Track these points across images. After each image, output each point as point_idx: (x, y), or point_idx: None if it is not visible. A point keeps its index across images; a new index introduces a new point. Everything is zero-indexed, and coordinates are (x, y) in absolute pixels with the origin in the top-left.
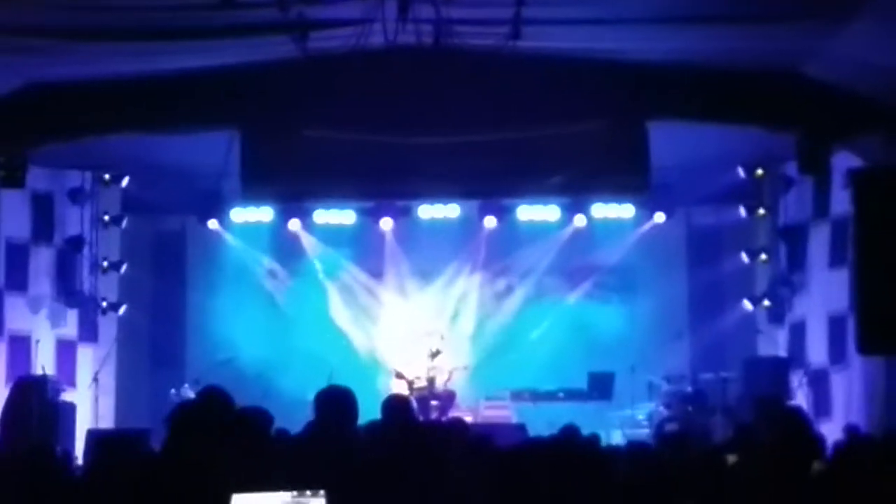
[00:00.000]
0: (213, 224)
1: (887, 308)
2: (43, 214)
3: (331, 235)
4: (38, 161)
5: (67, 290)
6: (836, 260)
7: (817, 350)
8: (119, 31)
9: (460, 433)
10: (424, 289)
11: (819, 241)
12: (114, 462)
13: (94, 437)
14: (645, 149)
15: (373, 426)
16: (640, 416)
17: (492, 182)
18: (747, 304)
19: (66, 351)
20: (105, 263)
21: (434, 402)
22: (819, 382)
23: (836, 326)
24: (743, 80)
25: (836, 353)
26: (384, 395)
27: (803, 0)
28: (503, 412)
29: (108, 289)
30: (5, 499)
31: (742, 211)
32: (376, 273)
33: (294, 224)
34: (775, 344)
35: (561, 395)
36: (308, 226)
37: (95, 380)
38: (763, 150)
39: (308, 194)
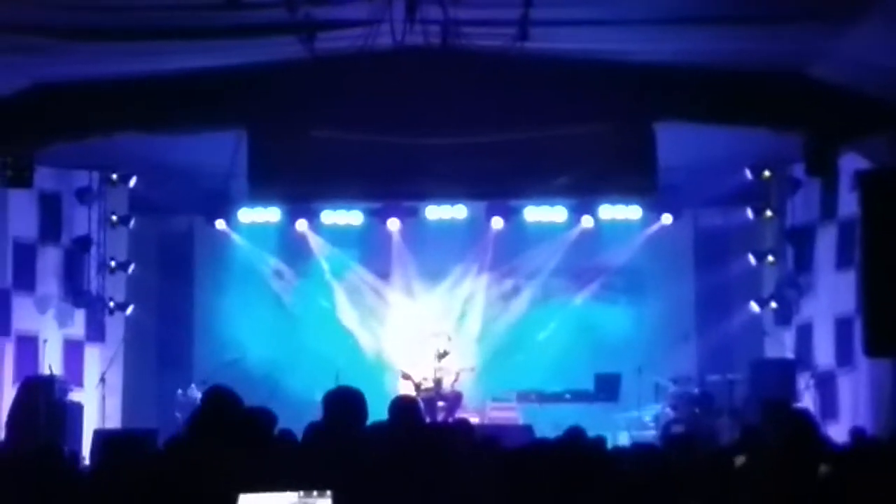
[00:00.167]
0: (220, 224)
1: (894, 310)
2: (50, 214)
3: (338, 236)
4: (46, 161)
5: (75, 290)
6: (843, 262)
7: (824, 352)
8: (126, 31)
9: (466, 434)
10: (431, 290)
11: (826, 243)
12: (121, 462)
13: (102, 437)
14: (652, 150)
15: (379, 427)
16: (647, 418)
17: (499, 183)
18: (754, 306)
19: (73, 351)
20: (112, 263)
21: (441, 404)
22: (826, 384)
23: (843, 328)
24: (750, 82)
25: (843, 356)
26: (391, 396)
27: (810, 1)
28: (510, 413)
29: (115, 289)
30: (14, 498)
31: (749, 212)
32: (383, 274)
33: (301, 224)
34: (782, 346)
35: (567, 396)
36: (315, 226)
37: (102, 380)
38: (770, 152)
39: (315, 195)
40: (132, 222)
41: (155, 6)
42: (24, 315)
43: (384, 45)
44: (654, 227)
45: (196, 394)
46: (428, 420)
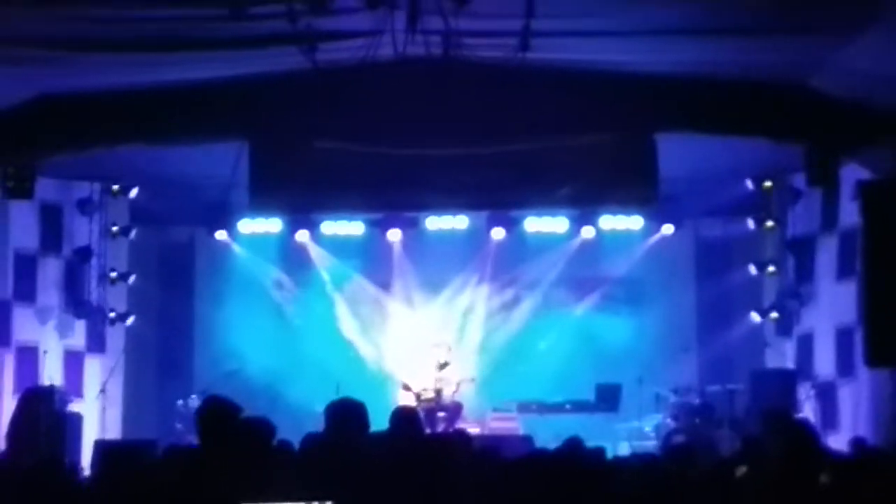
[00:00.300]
0: (221, 235)
1: (895, 321)
2: (51, 225)
3: (339, 247)
4: (47, 172)
5: (75, 301)
6: (844, 272)
7: (825, 362)
8: (129, 43)
9: (463, 445)
10: (432, 300)
11: (827, 254)
12: (121, 473)
13: (102, 447)
14: (653, 161)
15: (380, 437)
16: (648, 428)
17: (500, 194)
18: (755, 316)
19: (73, 362)
20: (113, 274)
21: (441, 414)
22: (827, 395)
23: (843, 339)
24: (751, 93)
25: (844, 366)
26: (391, 407)
27: (811, 13)
28: (510, 424)
29: (116, 299)
30: None
31: (750, 223)
32: (384, 284)
33: (302, 235)
34: (783, 356)
35: (568, 406)
36: (316, 237)
37: (103, 390)
38: (771, 162)
39: (316, 205)
40: (133, 233)
41: (157, 18)
42: (25, 326)
43: (386, 55)
44: (655, 237)
45: (196, 404)
46: (428, 431)
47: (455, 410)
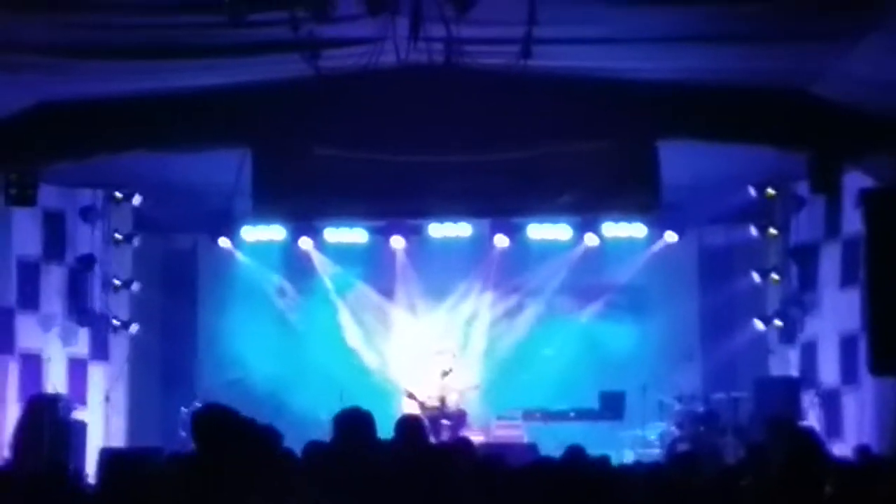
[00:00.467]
0: (224, 242)
1: None
2: (54, 233)
3: (342, 254)
4: (50, 179)
5: (79, 309)
6: (847, 280)
7: (829, 370)
8: (131, 50)
9: (466, 453)
10: (435, 308)
11: (830, 261)
12: (125, 480)
13: (106, 455)
14: (656, 168)
15: (385, 446)
16: (652, 436)
17: (503, 201)
18: (759, 324)
19: (77, 369)
20: (116, 282)
21: (445, 422)
22: (831, 403)
23: (847, 346)
24: (754, 100)
25: (848, 374)
26: (395, 415)
27: (813, 19)
28: (515, 432)
29: (119, 307)
30: None
31: (753, 230)
32: (387, 292)
33: (305, 242)
34: (787, 364)
35: (572, 414)
36: (319, 244)
37: (107, 398)
38: (774, 170)
39: (319, 213)
40: (136, 240)
41: (159, 25)
42: (28, 334)
43: (388, 63)
44: (658, 244)
45: None
46: (432, 439)
47: (459, 418)
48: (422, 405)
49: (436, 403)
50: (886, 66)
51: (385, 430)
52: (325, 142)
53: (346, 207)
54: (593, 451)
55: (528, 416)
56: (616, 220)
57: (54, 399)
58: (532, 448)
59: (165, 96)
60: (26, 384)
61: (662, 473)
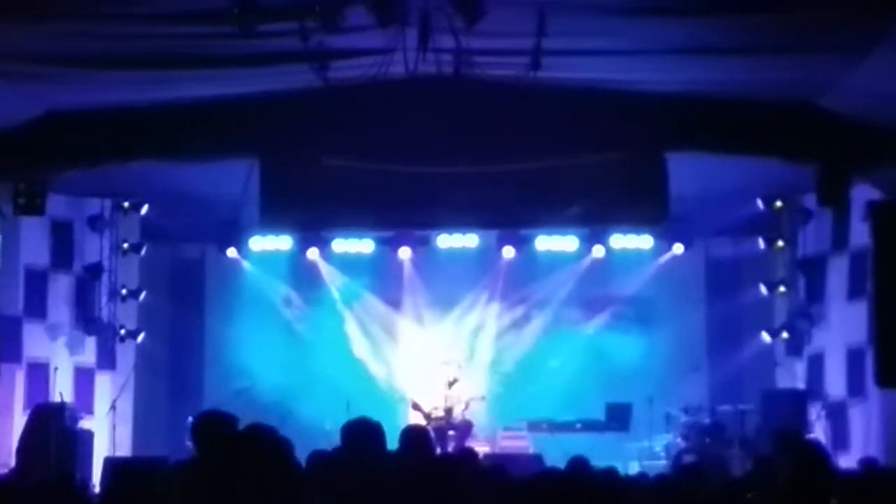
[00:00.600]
0: (231, 252)
1: None
2: (62, 242)
3: (349, 264)
4: (58, 188)
5: (86, 318)
6: (854, 292)
7: (836, 382)
8: (139, 60)
9: (470, 464)
10: (442, 318)
11: (838, 274)
12: (131, 490)
13: (112, 464)
14: (664, 180)
15: (390, 456)
16: (658, 448)
17: (510, 212)
18: (765, 336)
19: (84, 378)
20: (124, 291)
21: (451, 433)
22: (837, 415)
23: (854, 359)
24: (762, 112)
25: (855, 386)
26: (401, 425)
27: (821, 32)
28: (521, 442)
29: (126, 316)
30: None
31: (761, 243)
32: (394, 302)
33: (312, 253)
34: (794, 376)
35: (578, 425)
36: (326, 255)
37: (113, 407)
38: (782, 182)
39: (327, 223)
40: (144, 250)
41: (168, 35)
42: (36, 342)
43: (397, 73)
44: (666, 256)
45: None
46: (438, 449)
47: (465, 429)
48: (427, 416)
49: (442, 414)
50: (894, 79)
51: (391, 440)
52: (333, 152)
53: (354, 218)
54: (599, 462)
55: (534, 427)
56: (624, 232)
57: (61, 408)
58: (538, 459)
59: (174, 106)
60: (33, 393)
61: (668, 485)
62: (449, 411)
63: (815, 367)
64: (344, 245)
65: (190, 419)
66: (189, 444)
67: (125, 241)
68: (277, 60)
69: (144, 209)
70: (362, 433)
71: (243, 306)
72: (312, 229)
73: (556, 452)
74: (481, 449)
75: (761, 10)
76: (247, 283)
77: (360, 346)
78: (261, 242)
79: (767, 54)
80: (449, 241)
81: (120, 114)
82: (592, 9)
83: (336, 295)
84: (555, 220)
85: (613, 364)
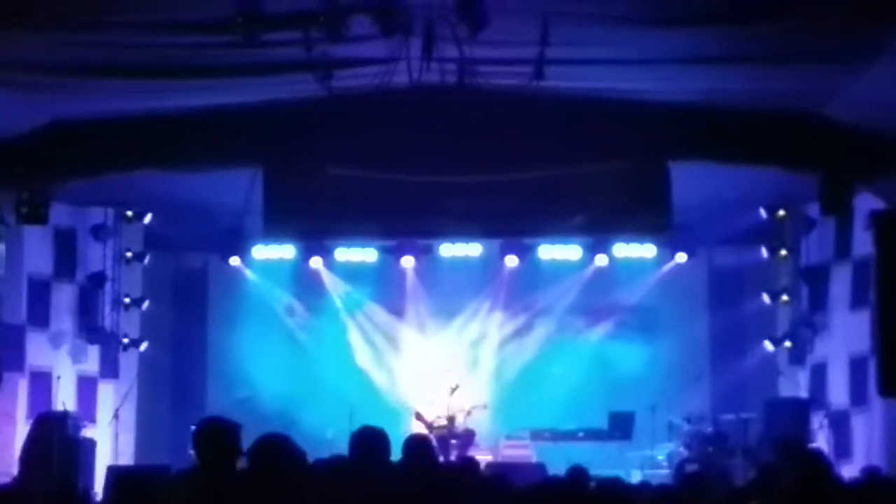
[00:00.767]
0: (234, 261)
1: None
2: (65, 250)
3: (352, 273)
4: (61, 197)
5: (89, 327)
6: (857, 301)
7: (838, 392)
8: (144, 69)
9: (471, 473)
10: (445, 327)
11: (841, 283)
12: (134, 498)
13: (115, 473)
14: (667, 189)
15: (392, 466)
16: (660, 457)
17: (513, 221)
18: (768, 345)
19: (87, 387)
20: (127, 300)
21: (454, 442)
22: (840, 424)
23: (857, 368)
24: (765, 121)
25: (858, 395)
26: (404, 434)
27: (824, 41)
28: (523, 451)
29: (129, 325)
30: None
31: (764, 252)
32: (397, 311)
33: (315, 262)
34: (796, 385)
35: (581, 434)
36: (329, 263)
37: (116, 416)
38: (785, 191)
39: (330, 232)
40: (147, 259)
41: (173, 44)
42: (38, 351)
43: (401, 83)
44: (669, 265)
45: None
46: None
47: (468, 438)
48: (430, 426)
49: (444, 423)
50: None
51: (394, 449)
52: (336, 161)
53: (356, 227)
54: (602, 471)
55: (536, 435)
56: (627, 241)
57: (63, 416)
58: (540, 468)
59: (178, 115)
60: (36, 401)
61: (671, 494)
62: (451, 420)
63: (818, 375)
64: (347, 254)
65: (193, 428)
66: (192, 452)
67: (128, 249)
68: (281, 70)
69: (148, 218)
70: (371, 442)
71: (246, 315)
72: (315, 238)
73: (559, 461)
74: (484, 458)
75: (764, 19)
76: (250, 292)
77: (362, 355)
78: (264, 251)
79: (770, 64)
80: (452, 249)
81: (124, 123)
82: (596, 18)
83: (339, 304)
84: (558, 228)
85: (616, 373)
